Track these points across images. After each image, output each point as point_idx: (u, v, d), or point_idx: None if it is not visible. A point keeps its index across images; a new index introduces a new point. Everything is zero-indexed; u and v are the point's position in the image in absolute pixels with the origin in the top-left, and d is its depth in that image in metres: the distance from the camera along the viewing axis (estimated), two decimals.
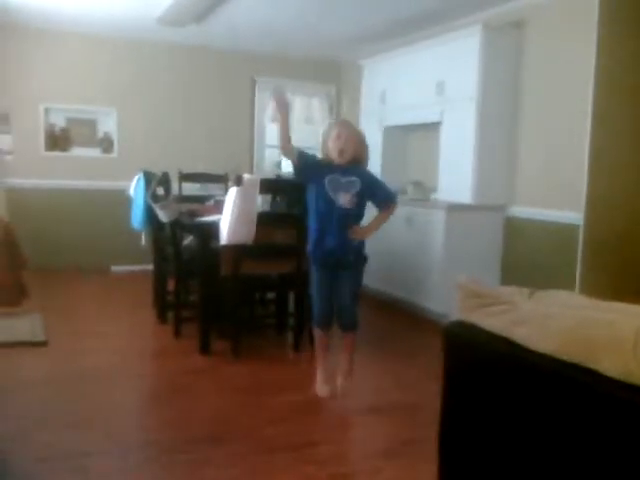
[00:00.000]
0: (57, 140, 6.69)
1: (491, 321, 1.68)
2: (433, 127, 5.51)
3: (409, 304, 5.32)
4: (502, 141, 5.01)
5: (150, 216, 4.58)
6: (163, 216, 4.24)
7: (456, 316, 1.82)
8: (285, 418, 3.10)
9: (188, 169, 5.92)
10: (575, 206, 4.24)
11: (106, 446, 2.74)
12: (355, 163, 3.14)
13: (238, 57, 7.19)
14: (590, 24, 4.03)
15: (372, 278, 5.09)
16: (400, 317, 5.29)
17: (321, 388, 3.33)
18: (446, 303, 4.60)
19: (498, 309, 1.69)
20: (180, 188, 5.65)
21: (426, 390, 3.33)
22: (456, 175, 5.09)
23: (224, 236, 3.74)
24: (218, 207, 4.16)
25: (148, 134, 6.91)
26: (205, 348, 4.02)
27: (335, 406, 3.28)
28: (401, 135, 6.27)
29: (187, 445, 2.75)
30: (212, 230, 3.89)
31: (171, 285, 4.58)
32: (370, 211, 3.30)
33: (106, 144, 6.86)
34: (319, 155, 3.26)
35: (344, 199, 3.08)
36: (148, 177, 4.60)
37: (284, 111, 3.12)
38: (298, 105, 7.55)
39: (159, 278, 4.87)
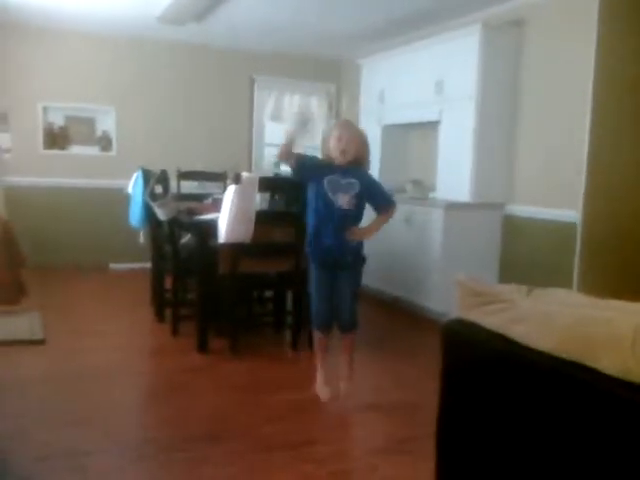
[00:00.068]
0: (56, 138, 6.69)
1: (490, 319, 1.68)
2: (432, 126, 5.51)
3: (408, 303, 5.32)
4: (501, 140, 5.01)
5: (148, 214, 4.58)
6: (161, 214, 4.24)
7: (455, 314, 1.82)
8: (283, 416, 3.10)
9: (187, 167, 5.92)
10: (573, 204, 4.25)
11: (105, 444, 2.74)
12: (356, 164, 3.12)
13: (237, 56, 7.19)
14: (590, 23, 4.03)
15: (371, 277, 5.09)
16: (399, 316, 5.29)
17: (321, 390, 3.31)
18: (445, 301, 4.61)
19: (497, 307, 1.69)
20: (178, 186, 5.65)
21: (425, 388, 3.32)
22: (455, 174, 5.09)
23: (222, 234, 3.74)
24: (216, 205, 4.15)
25: (147, 132, 6.91)
26: (203, 346, 4.02)
27: (333, 404, 3.28)
28: (400, 134, 6.27)
29: (185, 443, 2.75)
30: (210, 228, 3.88)
31: (169, 283, 4.58)
32: (369, 214, 3.28)
33: (105, 142, 6.86)
34: (319, 155, 3.25)
35: (343, 200, 3.07)
36: (147, 175, 4.60)
37: (289, 159, 3.10)
38: (297, 104, 7.55)
39: (157, 276, 4.87)
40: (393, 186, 6.01)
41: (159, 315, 4.74)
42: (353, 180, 3.09)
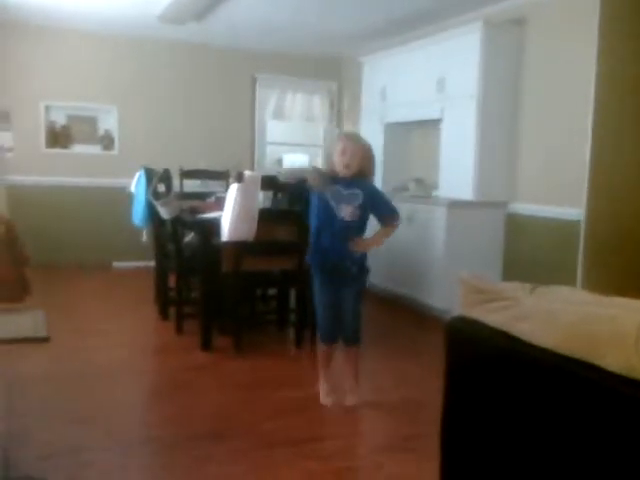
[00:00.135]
0: (58, 137, 6.70)
1: (493, 317, 1.68)
2: (434, 124, 5.51)
3: (411, 300, 5.33)
4: (503, 138, 5.01)
5: (151, 213, 4.59)
6: (164, 213, 4.25)
7: (458, 312, 1.82)
8: (287, 414, 3.11)
9: (189, 166, 5.93)
10: (576, 202, 4.24)
11: (108, 443, 2.74)
12: (360, 176, 3.10)
13: (238, 55, 7.19)
14: (591, 22, 4.03)
15: (374, 275, 5.05)
16: (402, 313, 5.29)
17: (325, 399, 3.26)
18: (448, 299, 4.60)
19: (500, 305, 1.69)
20: (181, 185, 5.65)
21: (428, 386, 3.34)
22: (457, 172, 5.09)
23: (225, 233, 3.75)
24: (219, 204, 4.16)
25: (149, 131, 6.91)
26: (207, 344, 4.03)
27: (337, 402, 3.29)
28: (402, 132, 6.26)
29: (189, 441, 2.76)
30: (213, 227, 3.89)
31: (172, 281, 4.59)
32: (373, 224, 3.27)
33: (107, 141, 6.86)
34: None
35: (346, 211, 3.04)
36: (149, 174, 4.60)
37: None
38: (299, 102, 7.55)
39: (160, 275, 4.87)
40: (395, 185, 6.03)
41: (163, 313, 4.74)
42: (357, 191, 3.06)
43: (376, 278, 5.41)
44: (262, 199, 4.23)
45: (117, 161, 6.77)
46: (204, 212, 4.25)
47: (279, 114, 7.50)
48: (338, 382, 3.35)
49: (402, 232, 5.29)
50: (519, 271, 4.85)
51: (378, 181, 5.65)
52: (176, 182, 5.20)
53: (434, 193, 5.45)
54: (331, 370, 3.35)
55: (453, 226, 4.90)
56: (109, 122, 6.85)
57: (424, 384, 3.51)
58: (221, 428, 2.92)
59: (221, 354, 3.99)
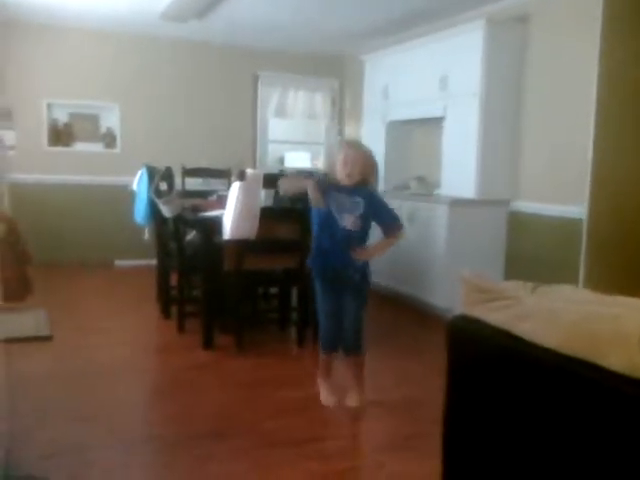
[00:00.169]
0: (60, 135, 6.70)
1: (495, 315, 1.67)
2: (436, 122, 5.50)
3: (413, 299, 5.32)
4: (506, 136, 4.99)
5: (153, 211, 4.59)
6: (166, 211, 4.24)
7: (460, 310, 1.82)
8: (288, 413, 3.10)
9: (191, 164, 5.93)
10: (579, 201, 4.23)
11: (110, 441, 2.74)
12: (363, 183, 3.07)
13: (240, 52, 7.18)
14: (594, 19, 4.01)
15: (376, 273, 5.06)
16: (404, 312, 5.28)
17: (326, 399, 3.24)
18: (450, 298, 4.59)
19: (502, 304, 1.68)
20: (183, 183, 5.65)
21: (430, 385, 3.33)
22: (459, 170, 5.08)
23: (227, 231, 3.74)
24: (221, 202, 4.16)
25: (151, 129, 6.91)
26: (208, 343, 4.02)
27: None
28: (404, 130, 6.25)
29: (190, 440, 2.75)
30: (215, 225, 3.89)
31: (174, 280, 4.58)
32: (376, 232, 3.25)
33: (109, 139, 6.86)
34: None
35: (348, 220, 3.02)
36: (151, 172, 4.60)
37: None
38: (301, 100, 7.54)
39: (162, 273, 4.87)
40: (397, 183, 6.02)
41: (165, 312, 4.74)
42: (358, 199, 3.04)
43: (378, 276, 5.38)
44: (264, 197, 4.22)
45: (119, 159, 6.77)
46: (206, 210, 4.25)
47: (281, 112, 7.49)
48: (339, 383, 3.33)
49: (404, 230, 5.30)
50: (521, 270, 4.84)
51: (380, 179, 5.65)
52: (178, 180, 5.20)
53: (436, 191, 5.44)
54: (331, 377, 3.31)
55: (455, 224, 4.89)
56: (111, 120, 6.85)
57: (426, 383, 3.51)
58: (223, 427, 2.92)
59: (223, 353, 3.99)
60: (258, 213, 3.74)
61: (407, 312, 5.27)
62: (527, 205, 4.90)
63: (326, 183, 3.05)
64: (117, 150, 6.86)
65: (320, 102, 7.64)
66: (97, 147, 6.84)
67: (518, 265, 4.94)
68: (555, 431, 1.46)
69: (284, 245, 4.09)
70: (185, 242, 4.50)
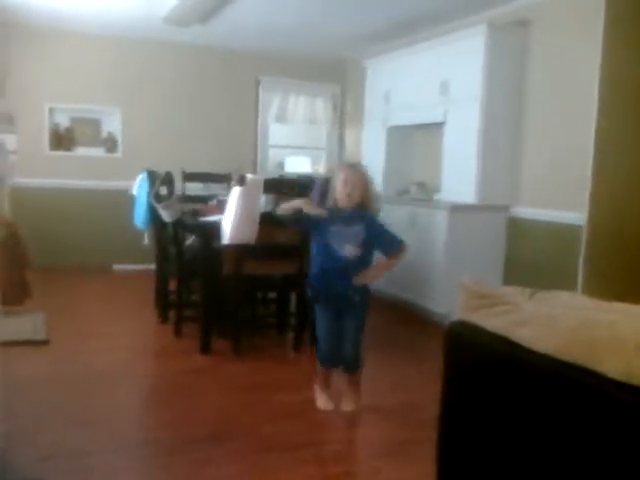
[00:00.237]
0: (61, 140, 6.71)
1: (493, 321, 1.67)
2: (437, 127, 5.50)
3: (411, 304, 5.31)
4: (506, 141, 5.00)
5: (153, 216, 4.59)
6: (166, 216, 4.24)
7: (458, 316, 1.82)
8: (286, 417, 3.10)
9: (191, 169, 5.93)
10: (578, 207, 4.23)
11: (108, 445, 2.74)
12: (362, 207, 3.07)
13: (242, 57, 7.19)
14: (596, 23, 4.01)
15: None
16: (402, 317, 5.28)
17: (324, 404, 3.24)
18: (448, 303, 4.59)
19: (500, 309, 1.68)
20: (183, 188, 5.65)
21: (427, 390, 3.31)
22: (460, 175, 5.08)
23: (227, 236, 3.74)
24: (221, 207, 4.16)
25: (152, 134, 6.92)
26: (206, 347, 4.02)
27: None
28: (405, 135, 6.26)
29: (188, 444, 2.75)
30: (214, 230, 3.88)
31: (173, 285, 4.58)
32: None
33: (110, 144, 6.88)
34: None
35: (348, 250, 3.01)
36: (152, 177, 4.60)
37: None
38: (302, 105, 7.55)
39: (161, 278, 4.86)
40: (397, 188, 6.03)
41: (163, 316, 4.74)
42: (357, 227, 3.03)
43: (376, 282, 5.39)
44: (264, 202, 4.22)
45: (120, 163, 6.78)
46: (206, 215, 4.25)
47: (282, 117, 7.50)
48: (335, 387, 3.32)
49: (403, 235, 5.25)
50: (520, 275, 4.83)
51: (379, 185, 5.67)
52: (178, 185, 5.19)
53: (436, 196, 5.44)
54: (329, 388, 3.29)
55: (455, 230, 4.88)
56: (113, 124, 6.86)
57: (423, 388, 3.49)
58: (220, 431, 2.92)
59: (220, 357, 3.98)
60: (258, 218, 3.74)
61: (405, 317, 5.26)
62: (527, 211, 4.89)
63: (322, 215, 3.05)
64: (118, 154, 6.87)
65: (321, 107, 7.65)
66: (98, 152, 6.85)
67: (517, 271, 4.93)
68: (552, 437, 1.46)
69: (284, 250, 4.08)
70: (184, 247, 4.50)
